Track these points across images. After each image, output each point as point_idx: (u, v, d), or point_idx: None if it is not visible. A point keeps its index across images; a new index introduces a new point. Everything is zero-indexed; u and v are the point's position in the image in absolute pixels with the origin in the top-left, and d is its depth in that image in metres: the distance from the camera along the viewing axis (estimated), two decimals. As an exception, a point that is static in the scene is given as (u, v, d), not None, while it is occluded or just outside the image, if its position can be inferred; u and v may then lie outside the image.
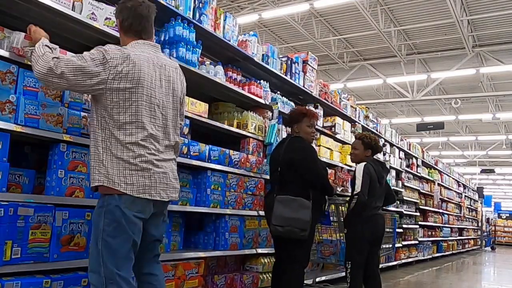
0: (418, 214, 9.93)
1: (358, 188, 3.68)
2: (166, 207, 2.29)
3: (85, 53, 2.09)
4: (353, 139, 4.78)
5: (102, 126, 2.10)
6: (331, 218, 4.40)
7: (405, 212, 8.85)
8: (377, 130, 8.03)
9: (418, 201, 10.02)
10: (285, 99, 5.11)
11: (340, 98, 6.49)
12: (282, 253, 3.41)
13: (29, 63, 2.53)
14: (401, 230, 8.46)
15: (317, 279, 5.17)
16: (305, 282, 4.15)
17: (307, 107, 4.86)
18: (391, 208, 7.47)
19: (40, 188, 2.80)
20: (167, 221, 2.24)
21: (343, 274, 4.37)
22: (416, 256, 9.75)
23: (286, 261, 3.32)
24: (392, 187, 6.16)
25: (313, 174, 3.39)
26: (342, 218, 4.25)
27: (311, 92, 5.54)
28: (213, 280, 3.74)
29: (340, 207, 4.39)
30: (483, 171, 24.85)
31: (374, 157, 4.09)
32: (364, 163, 3.83)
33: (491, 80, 14.68)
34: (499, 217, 26.64)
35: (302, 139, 3.50)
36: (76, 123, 2.72)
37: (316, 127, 5.64)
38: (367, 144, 3.97)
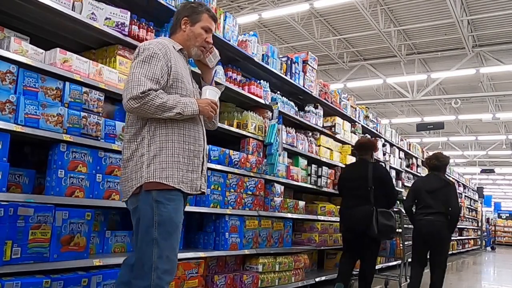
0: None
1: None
2: (128, 207, 2.26)
3: None
4: (353, 139, 6.01)
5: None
6: None
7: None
8: (377, 130, 8.03)
9: (418, 201, 10.00)
10: (285, 99, 5.11)
11: (340, 98, 6.49)
12: (365, 250, 4.47)
13: (29, 63, 2.54)
14: (401, 230, 8.43)
15: (317, 279, 5.17)
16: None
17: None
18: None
19: (40, 188, 2.80)
20: (134, 220, 2.20)
21: None
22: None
23: (369, 255, 4.50)
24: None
25: (394, 192, 4.64)
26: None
27: (311, 92, 5.54)
28: (213, 280, 3.74)
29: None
30: (483, 171, 24.83)
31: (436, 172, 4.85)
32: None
33: (491, 80, 14.68)
34: (499, 217, 26.61)
35: (382, 165, 4.90)
36: (76, 123, 2.72)
37: (316, 127, 5.71)
38: (424, 164, 4.88)
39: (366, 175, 4.42)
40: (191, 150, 2.21)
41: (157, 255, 2.04)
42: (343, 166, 6.32)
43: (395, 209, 4.93)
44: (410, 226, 5.13)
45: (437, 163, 4.83)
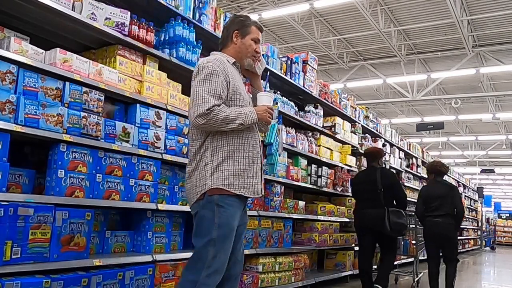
0: (418, 214, 9.92)
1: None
2: (193, 214, 2.42)
3: None
4: (353, 139, 6.39)
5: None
6: None
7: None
8: (377, 130, 8.03)
9: (418, 201, 10.02)
10: (285, 99, 5.11)
11: (340, 98, 6.49)
12: (383, 248, 5.01)
13: (29, 63, 2.54)
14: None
15: (317, 279, 5.17)
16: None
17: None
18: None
19: (40, 188, 2.80)
20: (195, 223, 2.38)
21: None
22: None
23: (388, 250, 4.98)
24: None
25: (403, 194, 5.11)
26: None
27: (311, 92, 5.54)
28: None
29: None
30: (483, 171, 24.83)
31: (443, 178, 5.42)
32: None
33: (491, 80, 14.67)
34: (499, 217, 26.57)
35: (389, 169, 5.80)
36: (76, 123, 2.72)
37: (316, 127, 5.71)
38: (428, 171, 5.49)
39: (375, 179, 4.89)
40: (250, 157, 2.36)
41: (212, 254, 2.20)
42: (343, 166, 6.34)
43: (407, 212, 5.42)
44: (421, 226, 5.72)
45: (443, 170, 5.35)
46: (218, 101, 2.23)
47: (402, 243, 6.48)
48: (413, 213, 5.91)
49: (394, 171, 8.54)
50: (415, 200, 9.95)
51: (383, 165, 5.89)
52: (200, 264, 2.20)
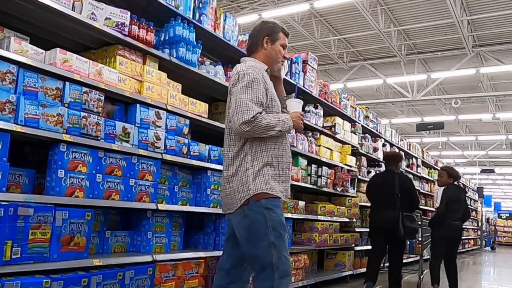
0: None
1: (438, 204, 5.61)
2: (232, 219, 2.41)
3: None
4: (353, 139, 6.59)
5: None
6: None
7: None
8: (377, 130, 8.03)
9: (418, 201, 10.04)
10: (285, 99, 5.10)
11: (340, 98, 6.49)
12: (393, 248, 5.21)
13: (29, 63, 2.54)
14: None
15: (317, 279, 5.17)
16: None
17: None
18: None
19: (40, 188, 2.80)
20: (242, 229, 2.35)
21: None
22: (416, 256, 9.73)
23: (397, 253, 5.23)
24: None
25: (417, 199, 5.42)
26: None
27: (311, 92, 5.54)
28: (213, 280, 3.73)
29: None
30: (483, 171, 24.82)
31: (455, 182, 5.84)
32: (445, 187, 5.66)
33: (491, 80, 14.67)
34: (499, 217, 26.58)
35: (407, 175, 6.29)
36: (76, 123, 2.72)
37: (316, 127, 5.71)
38: (450, 175, 5.74)
39: (393, 183, 5.13)
40: (285, 162, 2.43)
41: (276, 256, 2.23)
42: (343, 166, 6.33)
43: (417, 213, 5.71)
44: (426, 227, 6.27)
45: (459, 175, 5.82)
46: (260, 109, 2.29)
47: (408, 242, 6.81)
48: (419, 214, 6.14)
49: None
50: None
51: (401, 170, 6.29)
52: (269, 269, 2.23)
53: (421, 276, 6.25)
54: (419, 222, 6.27)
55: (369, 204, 7.19)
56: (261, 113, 2.28)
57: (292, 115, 2.44)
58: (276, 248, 2.23)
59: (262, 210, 2.27)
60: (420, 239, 6.37)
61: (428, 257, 6.02)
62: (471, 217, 17.28)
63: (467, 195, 16.22)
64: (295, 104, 2.51)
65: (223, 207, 2.47)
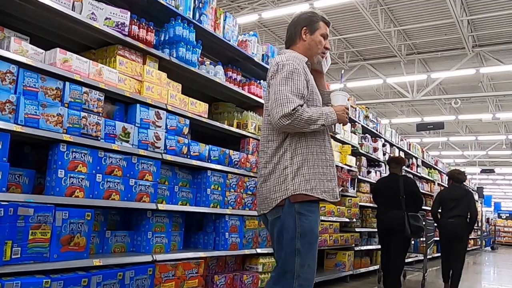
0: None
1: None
2: (269, 220, 2.30)
3: None
4: (353, 139, 6.84)
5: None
6: None
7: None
8: (377, 130, 8.03)
9: (418, 201, 10.04)
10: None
11: (340, 98, 6.47)
12: (397, 246, 5.32)
13: (29, 63, 2.54)
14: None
15: (317, 279, 5.17)
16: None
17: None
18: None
19: (40, 188, 2.80)
20: (273, 230, 2.27)
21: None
22: (416, 256, 9.74)
23: (400, 250, 5.37)
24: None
25: (422, 199, 5.60)
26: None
27: (311, 92, 5.53)
28: (213, 280, 3.74)
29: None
30: (483, 171, 24.82)
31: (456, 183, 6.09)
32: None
33: (491, 80, 14.67)
34: (499, 217, 26.57)
35: (411, 177, 6.50)
36: (76, 123, 2.72)
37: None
38: (451, 177, 6.10)
39: (398, 186, 5.38)
40: (328, 159, 2.28)
41: (299, 264, 2.12)
42: (343, 166, 6.33)
43: (421, 213, 5.84)
44: (430, 226, 6.53)
45: (462, 178, 6.03)
46: (301, 101, 2.14)
47: (413, 242, 7.04)
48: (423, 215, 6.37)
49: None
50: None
51: (404, 172, 6.64)
52: (289, 275, 2.12)
53: (425, 275, 6.37)
54: (423, 222, 6.39)
55: (369, 204, 7.23)
56: (302, 105, 2.13)
57: (337, 108, 2.27)
58: (300, 256, 2.12)
59: (294, 214, 2.14)
60: (424, 238, 6.53)
61: (431, 256, 6.23)
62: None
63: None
64: (339, 98, 2.34)
65: (258, 208, 2.35)
